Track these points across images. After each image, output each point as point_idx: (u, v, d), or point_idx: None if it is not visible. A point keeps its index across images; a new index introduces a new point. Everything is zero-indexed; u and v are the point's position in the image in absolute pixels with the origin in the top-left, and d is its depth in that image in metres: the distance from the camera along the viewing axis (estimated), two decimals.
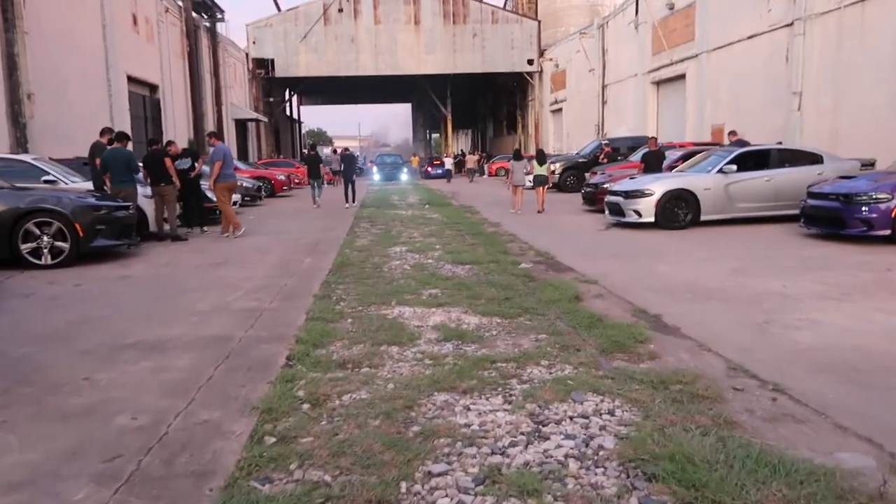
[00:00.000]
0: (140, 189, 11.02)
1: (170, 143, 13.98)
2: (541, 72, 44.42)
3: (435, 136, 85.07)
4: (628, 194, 11.78)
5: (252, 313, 5.72)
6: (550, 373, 4.11)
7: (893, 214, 8.66)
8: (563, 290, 6.53)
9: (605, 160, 21.51)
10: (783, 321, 5.31)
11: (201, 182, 13.28)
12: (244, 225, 12.44)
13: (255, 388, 3.81)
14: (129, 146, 11.25)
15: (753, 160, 11.71)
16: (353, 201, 18.79)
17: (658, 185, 11.55)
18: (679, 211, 11.49)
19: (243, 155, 37.67)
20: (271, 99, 44.99)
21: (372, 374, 4.10)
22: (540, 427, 3.25)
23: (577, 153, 25.50)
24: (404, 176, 39.16)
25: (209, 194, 13.18)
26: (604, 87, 34.26)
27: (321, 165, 19.90)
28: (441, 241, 10.73)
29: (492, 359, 4.35)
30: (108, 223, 8.77)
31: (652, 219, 11.49)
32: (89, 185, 11.01)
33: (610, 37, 33.03)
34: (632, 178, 12.59)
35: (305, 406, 3.51)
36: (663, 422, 3.26)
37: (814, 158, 11.89)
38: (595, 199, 15.13)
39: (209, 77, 33.85)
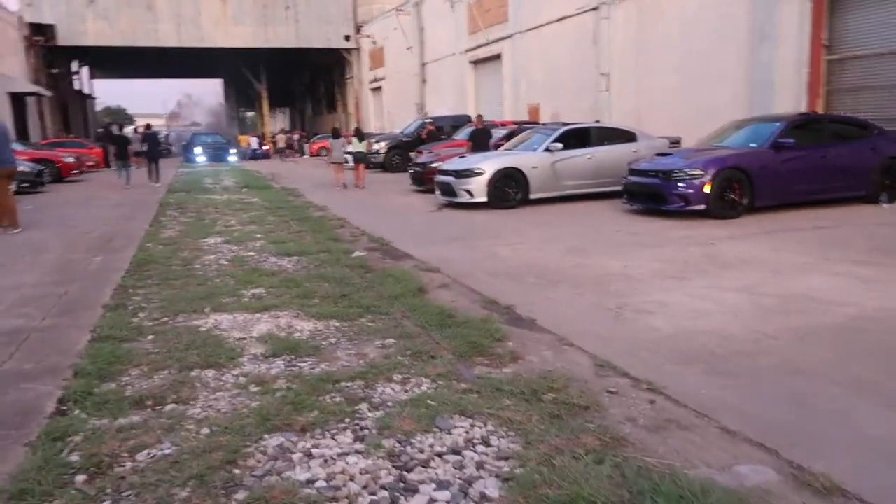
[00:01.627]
0: None
1: None
2: (358, 49, 43.36)
3: (250, 114, 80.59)
4: (459, 174, 11.45)
5: (13, 336, 4.42)
6: (406, 391, 3.46)
7: (706, 189, 9.09)
8: (405, 281, 5.92)
9: (426, 138, 21.24)
10: (634, 305, 5.12)
11: None
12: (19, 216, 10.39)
13: (4, 455, 2.74)
14: None
15: (575, 138, 11.90)
16: (158, 181, 18.65)
17: (488, 164, 11.34)
18: (510, 190, 11.37)
19: (23, 134, 32.65)
20: (55, 70, 39.46)
21: (179, 413, 3.18)
22: (404, 474, 2.59)
23: (401, 132, 25.03)
24: (233, 158, 35.40)
25: None
26: (423, 65, 34.13)
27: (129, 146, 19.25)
28: (263, 228, 9.65)
29: (334, 377, 3.61)
30: None
31: (484, 198, 11.27)
32: None
33: (427, 15, 32.87)
34: (461, 158, 12.30)
35: (80, 478, 2.54)
36: (548, 449, 2.74)
37: (629, 136, 12.35)
38: (424, 179, 14.72)
39: None
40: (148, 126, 21.56)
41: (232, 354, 4.01)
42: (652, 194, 9.61)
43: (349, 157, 17.51)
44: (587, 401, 3.28)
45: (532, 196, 11.52)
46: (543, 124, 13.84)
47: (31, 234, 9.42)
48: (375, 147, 23.26)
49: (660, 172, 9.47)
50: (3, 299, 5.47)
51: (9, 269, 6.85)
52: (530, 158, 11.54)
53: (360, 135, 17.71)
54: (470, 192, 11.32)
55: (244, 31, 40.50)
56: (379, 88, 41.36)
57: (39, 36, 36.38)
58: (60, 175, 20.09)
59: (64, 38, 37.03)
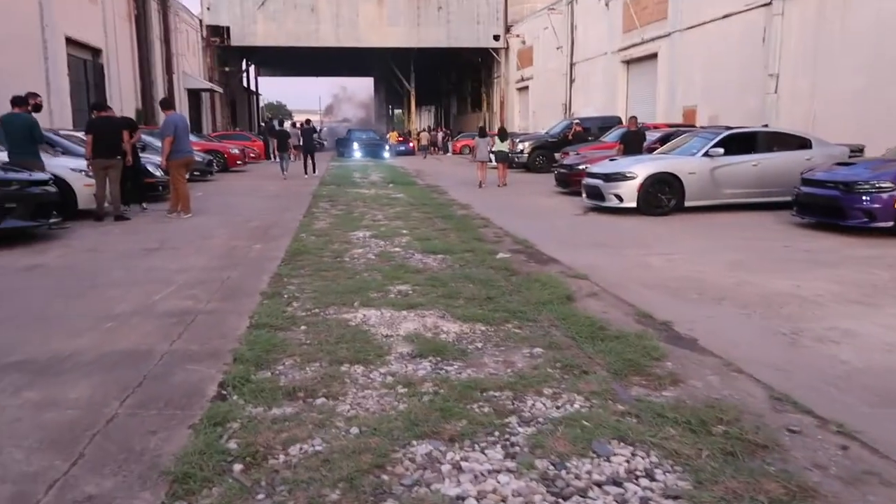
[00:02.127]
0: (68, 160, 9.76)
1: (97, 106, 12.47)
2: (507, 48, 43.38)
3: (397, 111, 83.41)
4: (609, 177, 10.99)
5: (182, 318, 4.69)
6: (557, 407, 3.25)
7: None
8: (552, 287, 5.69)
9: (572, 139, 20.73)
10: (813, 331, 4.55)
11: (141, 155, 12.03)
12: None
13: (170, 436, 2.85)
14: (68, 114, 9.88)
15: (739, 143, 11.03)
16: (314, 172, 20.46)
17: (641, 168, 10.79)
18: (662, 196, 10.76)
19: (197, 127, 35.83)
20: (227, 69, 42.95)
21: (330, 408, 3.17)
22: (560, 502, 2.38)
23: (546, 132, 24.67)
24: (387, 154, 35.42)
25: (150, 168, 11.96)
26: (572, 65, 33.46)
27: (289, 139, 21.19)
28: (408, 224, 9.79)
29: (481, 385, 3.47)
30: (20, 201, 7.55)
31: (634, 204, 10.74)
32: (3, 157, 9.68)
33: (579, 13, 32.15)
34: (611, 160, 11.81)
35: (237, 468, 2.57)
36: (723, 492, 2.43)
37: (802, 142, 11.27)
38: (569, 181, 14.34)
39: (159, 43, 31.85)
40: (308, 121, 22.92)
41: (380, 352, 3.99)
42: (829, 207, 8.65)
43: (492, 156, 17.82)
44: (765, 438, 2.90)
45: (688, 203, 10.83)
46: (703, 127, 12.98)
47: (201, 219, 10.19)
48: (519, 147, 23.11)
49: (840, 184, 8.51)
50: (177, 280, 5.88)
51: (181, 252, 7.41)
52: (688, 163, 10.84)
53: (504, 134, 18.02)
54: (619, 197, 10.84)
55: (398, 31, 41.83)
56: (525, 88, 41.13)
57: (216, 37, 39.71)
58: (227, 165, 21.74)
59: (237, 39, 40.14)
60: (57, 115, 19.19)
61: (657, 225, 9.87)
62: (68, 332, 4.34)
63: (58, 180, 8.85)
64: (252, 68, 54.35)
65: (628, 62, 27.19)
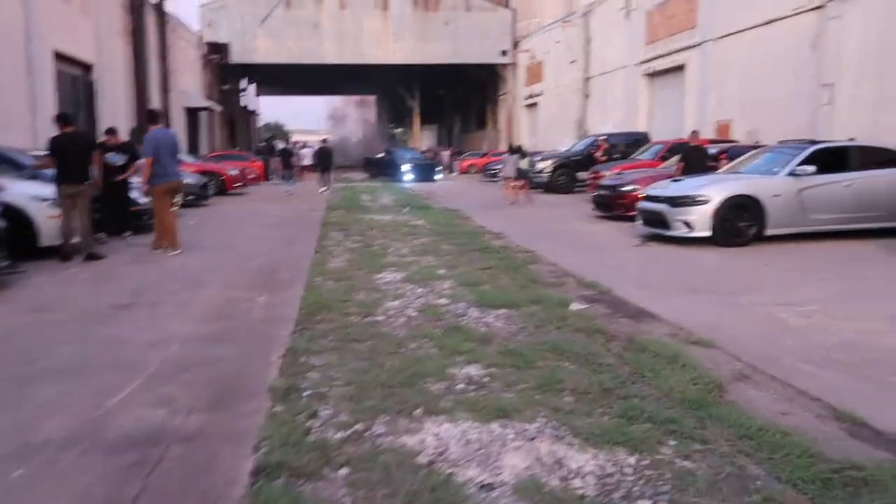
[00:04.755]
0: (30, 186, 8.04)
1: (109, 131, 10.87)
2: (515, 64, 41.99)
3: (398, 130, 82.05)
4: (675, 201, 9.27)
5: (143, 455, 2.86)
6: None
7: None
8: (682, 365, 3.99)
9: (605, 158, 19.07)
10: None
11: (130, 182, 10.34)
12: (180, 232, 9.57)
13: None
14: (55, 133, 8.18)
15: (827, 161, 9.32)
16: (328, 187, 21.98)
17: (715, 191, 9.07)
18: (741, 223, 9.04)
19: (194, 147, 34.24)
20: (226, 87, 41.48)
21: None
22: None
23: (567, 149, 23.02)
24: (439, 176, 30.79)
25: (134, 194, 10.25)
26: (586, 79, 31.96)
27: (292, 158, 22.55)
28: (442, 261, 8.04)
29: None
30: None
31: (708, 232, 9.01)
32: None
33: (595, 25, 30.72)
34: (675, 181, 10.09)
35: None
36: None
37: None
38: (612, 205, 12.62)
39: (156, 59, 30.28)
40: (324, 140, 25.20)
41: None
42: None
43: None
44: None
45: (769, 232, 9.10)
46: (781, 142, 11.29)
47: (191, 257, 8.40)
48: (540, 166, 21.51)
49: None
50: (147, 364, 4.09)
51: (160, 310, 5.59)
52: (770, 184, 9.13)
53: (523, 152, 17.82)
54: (689, 225, 9.11)
55: (403, 46, 40.45)
56: (534, 105, 39.64)
57: (215, 54, 38.25)
58: (224, 188, 20.04)
59: (237, 56, 38.72)
60: (42, 133, 17.55)
61: (744, 259, 8.14)
62: None
63: (11, 211, 7.11)
64: (252, 87, 52.91)
65: (651, 75, 25.62)
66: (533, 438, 3.00)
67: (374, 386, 3.62)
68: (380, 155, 36.22)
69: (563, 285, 6.77)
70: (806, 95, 16.70)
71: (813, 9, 16.43)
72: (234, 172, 20.66)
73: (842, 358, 4.29)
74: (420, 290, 6.32)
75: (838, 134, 15.42)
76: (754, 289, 6.43)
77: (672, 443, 3.00)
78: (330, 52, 40.10)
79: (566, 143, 29.56)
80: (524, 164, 17.36)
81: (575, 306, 5.78)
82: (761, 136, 17.96)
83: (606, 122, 29.17)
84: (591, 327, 4.96)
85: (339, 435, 3.02)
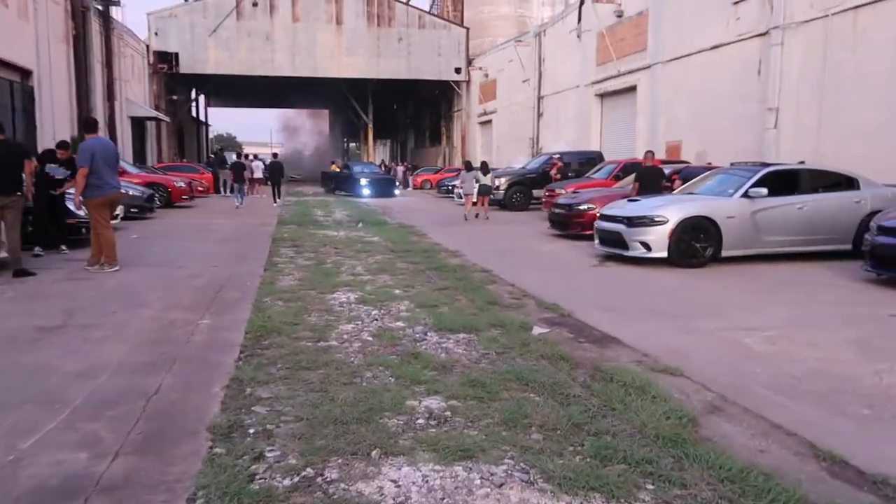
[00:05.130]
0: None
1: (62, 145, 9.98)
2: (469, 81, 42.21)
3: (352, 144, 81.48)
4: (633, 222, 9.22)
5: None
6: None
7: None
8: (653, 396, 3.82)
9: (560, 176, 19.14)
10: None
11: (67, 194, 9.72)
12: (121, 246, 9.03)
13: None
14: None
15: (779, 183, 9.43)
16: (279, 200, 22.59)
17: (672, 211, 9.06)
18: (697, 244, 9.04)
19: (141, 157, 33.14)
20: (175, 97, 40.44)
21: None
22: None
23: (522, 167, 23.07)
24: (397, 192, 29.90)
25: (70, 206, 9.66)
26: (539, 98, 32.27)
27: (244, 171, 22.33)
28: (399, 281, 7.76)
29: None
30: None
31: (665, 253, 8.99)
32: None
33: (548, 45, 31.08)
34: (631, 201, 10.07)
35: None
36: None
37: (849, 182, 9.77)
38: (568, 223, 12.58)
39: (100, 67, 29.21)
40: (275, 154, 27.21)
41: None
42: None
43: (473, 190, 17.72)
44: None
45: (725, 253, 9.14)
46: (733, 164, 11.43)
47: (131, 274, 7.90)
48: (495, 183, 21.47)
49: None
50: (71, 396, 3.67)
51: (92, 333, 5.12)
52: (725, 206, 9.17)
53: (486, 168, 18.04)
54: (646, 245, 9.07)
55: (356, 61, 40.20)
56: (488, 122, 39.84)
57: (164, 63, 37.24)
58: (171, 200, 19.34)
59: (186, 66, 37.79)
60: None
61: (702, 281, 8.11)
62: None
63: None
64: (201, 97, 51.73)
65: (603, 95, 26.00)
66: (501, 485, 2.74)
67: (326, 422, 3.32)
68: (337, 169, 35.65)
69: (524, 307, 6.58)
70: (752, 119, 17.10)
71: (757, 35, 16.89)
72: (181, 184, 19.96)
73: (812, 388, 4.18)
74: (375, 311, 6.02)
75: (784, 157, 15.81)
76: (716, 313, 6.35)
77: (650, 486, 2.79)
78: (283, 65, 39.55)
79: (520, 160, 29.73)
80: (486, 179, 17.66)
81: (537, 330, 5.59)
82: (710, 158, 18.32)
83: (559, 140, 29.44)
84: (556, 354, 4.76)
85: (286, 482, 2.71)
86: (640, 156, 21.71)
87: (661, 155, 20.76)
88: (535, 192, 21.10)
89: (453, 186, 27.16)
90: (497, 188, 21.26)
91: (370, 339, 5.10)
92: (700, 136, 19.59)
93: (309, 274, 8.11)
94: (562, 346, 5.03)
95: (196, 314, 5.67)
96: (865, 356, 4.88)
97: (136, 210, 15.00)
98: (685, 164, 13.72)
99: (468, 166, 19.03)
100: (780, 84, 16.18)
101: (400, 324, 5.57)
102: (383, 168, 42.77)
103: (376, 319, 5.71)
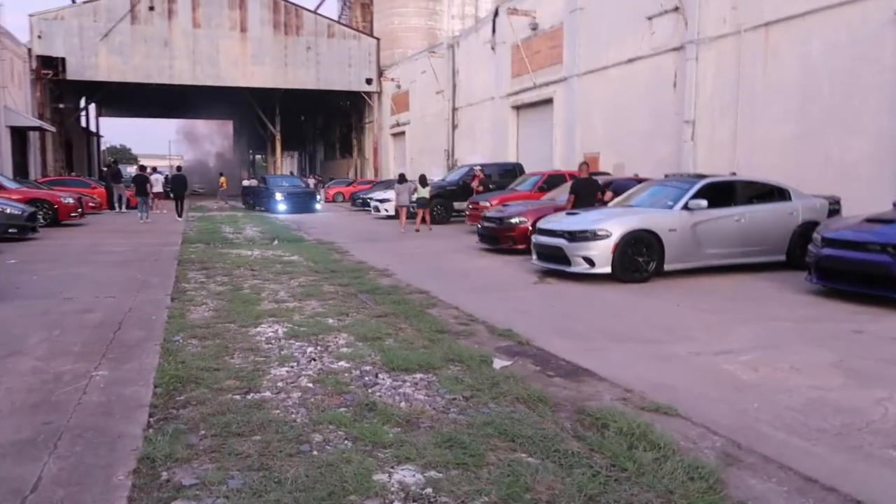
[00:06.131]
0: None
1: None
2: (380, 92, 41.52)
3: (258, 156, 78.72)
4: (574, 236, 8.78)
5: None
6: None
7: None
8: (659, 447, 3.25)
9: (481, 188, 18.71)
10: None
11: None
12: None
13: None
14: None
15: (715, 195, 9.27)
16: (181, 216, 21.64)
17: (614, 225, 8.68)
18: (640, 259, 8.71)
19: (23, 171, 30.22)
20: (62, 106, 37.35)
21: None
22: None
23: (442, 179, 22.53)
24: (319, 206, 27.58)
25: None
26: (454, 110, 32.00)
27: (147, 184, 21.48)
28: (330, 307, 6.91)
29: None
30: None
31: (608, 268, 8.59)
32: None
33: (462, 57, 30.87)
34: (569, 214, 9.65)
35: None
36: None
37: (782, 194, 9.76)
38: (499, 237, 12.08)
39: None
40: (178, 168, 25.39)
41: None
42: (876, 276, 6.90)
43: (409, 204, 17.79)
44: None
45: (667, 267, 8.85)
46: (667, 176, 11.27)
47: (3, 310, 6.62)
48: (414, 196, 20.84)
49: (889, 246, 6.80)
50: None
51: None
52: (666, 219, 8.90)
53: (424, 181, 17.81)
54: (590, 261, 8.64)
55: (263, 70, 38.64)
56: (401, 133, 39.26)
57: (48, 69, 34.32)
58: (57, 218, 17.45)
59: (74, 73, 35.04)
60: None
61: (651, 298, 7.73)
62: None
63: None
64: (92, 106, 48.28)
65: (519, 107, 25.95)
66: None
67: None
68: (248, 183, 33.67)
69: (475, 335, 5.92)
70: (669, 131, 17.31)
71: (672, 49, 17.14)
72: (69, 200, 18.07)
73: (822, 425, 3.73)
74: (311, 349, 5.17)
75: (701, 168, 16.04)
76: (680, 335, 5.91)
77: None
78: (182, 73, 37.43)
79: (436, 172, 29.23)
80: (424, 192, 17.50)
81: (498, 363, 4.94)
82: (628, 169, 18.45)
83: (475, 152, 29.21)
84: (531, 395, 4.11)
85: None
86: (557, 167, 21.85)
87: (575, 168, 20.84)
88: (456, 205, 20.65)
89: (369, 199, 26.31)
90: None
91: (310, 385, 4.27)
92: (617, 148, 19.74)
93: (225, 302, 7.11)
94: (533, 384, 4.39)
95: (89, 363, 4.60)
96: (856, 381, 4.52)
97: (14, 231, 13.27)
98: (611, 178, 13.52)
99: (402, 178, 18.65)
100: (696, 97, 16.44)
101: (343, 363, 4.75)
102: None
103: (314, 359, 4.87)
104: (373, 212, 24.19)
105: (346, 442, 3.32)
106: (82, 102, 44.52)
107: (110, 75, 36.21)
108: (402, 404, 3.92)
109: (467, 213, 17.20)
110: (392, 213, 22.90)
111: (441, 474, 2.97)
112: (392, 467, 3.05)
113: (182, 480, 2.83)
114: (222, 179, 39.73)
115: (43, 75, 34.20)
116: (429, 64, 33.12)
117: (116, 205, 25.43)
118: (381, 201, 23.52)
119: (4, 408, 3.69)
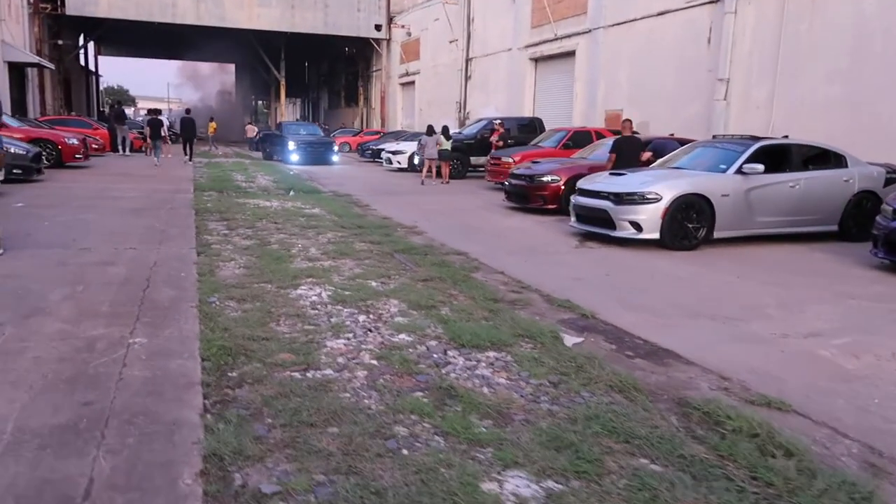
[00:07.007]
0: None
1: None
2: (389, 39, 40.21)
3: (260, 103, 77.18)
4: (622, 198, 8.24)
5: None
6: None
7: None
8: (798, 458, 2.82)
9: (500, 143, 18.02)
10: None
11: None
12: (3, 219, 7.16)
13: None
14: None
15: (769, 159, 8.71)
16: (191, 159, 21.99)
17: (665, 189, 8.14)
18: (690, 225, 8.19)
19: (21, 108, 29.29)
20: (60, 42, 36.08)
21: None
22: None
23: (458, 132, 21.78)
24: (336, 158, 25.30)
25: None
26: (468, 60, 30.93)
27: (162, 128, 21.67)
28: (368, 268, 6.41)
29: None
30: None
31: (657, 234, 8.08)
32: None
33: (478, 5, 29.65)
34: (613, 174, 9.08)
35: None
36: None
37: (838, 160, 9.19)
38: (530, 196, 11.53)
39: None
40: (188, 111, 25.59)
41: None
42: None
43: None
44: None
45: (717, 234, 8.35)
46: (714, 136, 10.65)
47: (18, 260, 6.09)
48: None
49: None
50: None
51: None
52: (720, 182, 8.35)
53: (447, 133, 17.83)
54: (637, 226, 8.12)
55: (270, 12, 37.28)
56: (410, 83, 38.14)
57: (46, 3, 33.00)
58: (61, 159, 16.79)
59: (74, 8, 33.74)
60: None
61: (707, 268, 7.24)
62: None
63: None
64: (92, 45, 46.81)
65: (537, 59, 24.98)
66: None
67: None
68: (267, 132, 32.36)
69: (531, 304, 5.45)
70: (698, 90, 16.58)
71: (708, 2, 16.27)
72: (73, 141, 17.36)
73: None
74: (363, 317, 4.69)
75: (733, 129, 15.39)
76: (755, 312, 5.44)
77: None
78: (186, 12, 36.09)
79: (450, 124, 28.41)
80: (447, 144, 17.53)
81: (570, 340, 4.48)
82: (653, 128, 17.75)
83: (489, 105, 28.32)
84: (624, 383, 3.65)
85: None
86: (576, 124, 21.11)
87: (600, 124, 20.12)
88: (473, 160, 20.00)
89: (380, 150, 25.54)
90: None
91: (374, 362, 3.80)
92: (641, 106, 18.96)
93: (255, 259, 6.61)
94: (615, 366, 3.94)
95: (123, 327, 4.11)
96: None
97: (19, 172, 12.66)
98: (650, 137, 12.87)
99: (430, 130, 17.97)
100: (732, 54, 15.67)
101: (404, 336, 4.28)
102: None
103: (370, 330, 4.39)
104: (385, 164, 23.51)
105: (436, 438, 2.87)
106: (81, 40, 43.10)
107: (110, 12, 34.89)
108: (485, 390, 3.46)
109: (487, 168, 16.57)
110: (404, 165, 22.25)
111: (561, 485, 2.52)
112: (499, 473, 2.60)
113: (261, 487, 2.37)
114: (212, 125, 38.62)
115: (41, 9, 32.90)
116: (443, 11, 31.87)
117: (119, 147, 24.67)
118: (395, 153, 22.83)
119: (36, 382, 3.21)
